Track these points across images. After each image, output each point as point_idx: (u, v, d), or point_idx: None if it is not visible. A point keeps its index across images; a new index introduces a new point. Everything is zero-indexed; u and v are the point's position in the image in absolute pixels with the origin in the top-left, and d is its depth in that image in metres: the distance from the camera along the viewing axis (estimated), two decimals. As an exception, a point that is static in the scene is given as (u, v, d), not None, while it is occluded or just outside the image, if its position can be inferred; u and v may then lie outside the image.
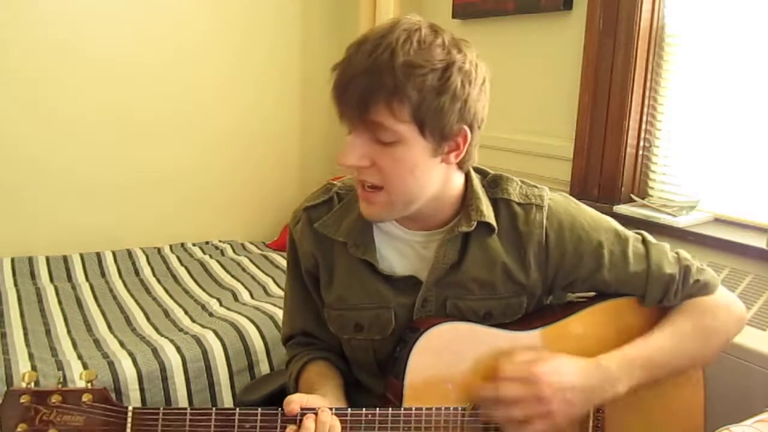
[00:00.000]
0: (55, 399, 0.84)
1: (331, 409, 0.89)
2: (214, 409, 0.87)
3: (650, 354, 0.94)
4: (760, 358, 1.28)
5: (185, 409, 0.87)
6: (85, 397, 0.85)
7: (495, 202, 1.00)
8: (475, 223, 0.96)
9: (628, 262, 0.99)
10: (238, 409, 0.87)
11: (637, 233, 1.04)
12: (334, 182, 1.08)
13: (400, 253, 1.01)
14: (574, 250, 0.99)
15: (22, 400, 0.83)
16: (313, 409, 0.87)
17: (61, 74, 2.39)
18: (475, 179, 1.01)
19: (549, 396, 0.87)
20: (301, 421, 0.86)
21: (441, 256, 0.98)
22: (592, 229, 1.00)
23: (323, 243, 1.04)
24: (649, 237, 1.04)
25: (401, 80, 0.82)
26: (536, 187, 1.03)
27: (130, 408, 0.85)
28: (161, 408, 0.86)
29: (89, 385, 0.86)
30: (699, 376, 1.03)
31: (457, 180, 0.98)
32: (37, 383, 0.86)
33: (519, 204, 1.00)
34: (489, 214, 0.98)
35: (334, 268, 1.04)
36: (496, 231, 0.98)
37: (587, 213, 1.03)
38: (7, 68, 2.29)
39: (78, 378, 1.54)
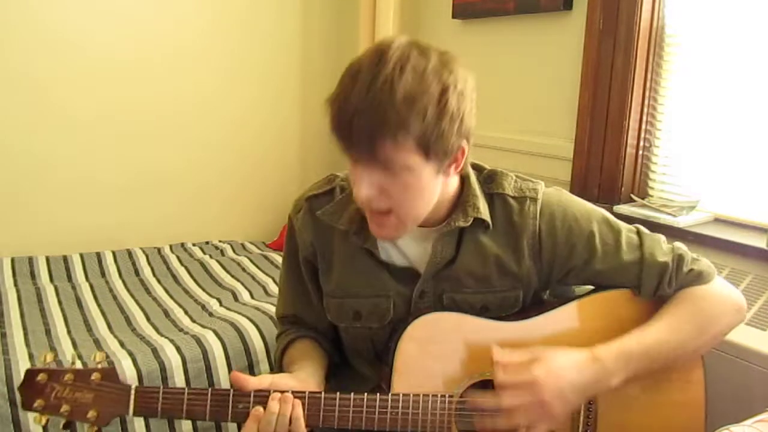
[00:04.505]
0: (68, 377, 0.91)
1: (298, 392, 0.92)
2: (210, 389, 0.93)
3: (647, 348, 0.94)
4: (760, 358, 1.28)
5: (183, 389, 0.93)
6: (94, 376, 0.92)
7: (491, 197, 1.02)
8: (472, 219, 0.99)
9: (621, 251, 1.00)
10: (232, 390, 0.92)
11: (631, 225, 1.05)
12: (337, 174, 1.11)
13: (398, 245, 1.04)
14: (566, 240, 1.00)
15: (38, 378, 0.90)
16: (267, 391, 0.91)
17: (61, 74, 2.38)
18: (472, 176, 1.03)
19: (550, 400, 0.87)
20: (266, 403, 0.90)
21: (438, 251, 1.01)
22: (584, 219, 1.01)
23: (323, 232, 1.06)
24: (643, 229, 1.05)
25: (404, 115, 0.82)
26: (531, 181, 1.05)
27: (133, 386, 0.93)
28: (161, 387, 0.94)
29: (99, 365, 0.93)
30: (699, 376, 1.02)
31: (453, 182, 1.00)
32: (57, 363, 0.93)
33: (514, 197, 1.02)
34: (485, 211, 1.00)
35: (333, 256, 1.06)
36: (490, 227, 1.01)
37: (579, 204, 1.04)
38: (7, 68, 2.29)
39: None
